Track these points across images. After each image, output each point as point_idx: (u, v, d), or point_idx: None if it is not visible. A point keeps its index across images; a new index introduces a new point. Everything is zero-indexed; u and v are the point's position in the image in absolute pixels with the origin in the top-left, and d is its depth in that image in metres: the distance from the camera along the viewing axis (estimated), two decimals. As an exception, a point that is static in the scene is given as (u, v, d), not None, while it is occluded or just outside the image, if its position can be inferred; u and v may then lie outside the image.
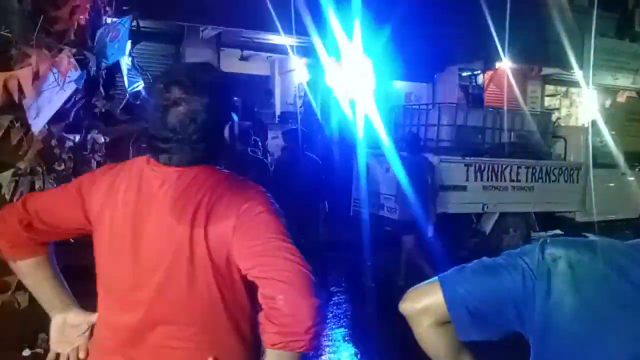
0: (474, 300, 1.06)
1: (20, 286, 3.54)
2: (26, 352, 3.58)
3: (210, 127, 1.22)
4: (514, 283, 1.05)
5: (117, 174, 1.30)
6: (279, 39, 10.24)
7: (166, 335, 1.21)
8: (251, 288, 1.22)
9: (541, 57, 12.69)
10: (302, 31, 9.88)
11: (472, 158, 7.08)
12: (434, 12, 10.83)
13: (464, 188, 6.97)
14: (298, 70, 11.78)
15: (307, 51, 10.78)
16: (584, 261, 1.02)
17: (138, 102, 4.22)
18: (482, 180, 7.10)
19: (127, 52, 3.31)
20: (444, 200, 6.77)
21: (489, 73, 13.16)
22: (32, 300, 3.57)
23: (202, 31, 9.83)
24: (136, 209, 1.23)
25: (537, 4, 11.61)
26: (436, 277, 1.13)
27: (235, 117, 1.35)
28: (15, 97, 2.93)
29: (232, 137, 1.32)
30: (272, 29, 9.68)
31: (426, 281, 1.15)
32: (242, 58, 11.68)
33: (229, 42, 10.65)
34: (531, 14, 11.68)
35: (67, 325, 1.36)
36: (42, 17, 3.24)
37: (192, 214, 1.18)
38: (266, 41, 10.74)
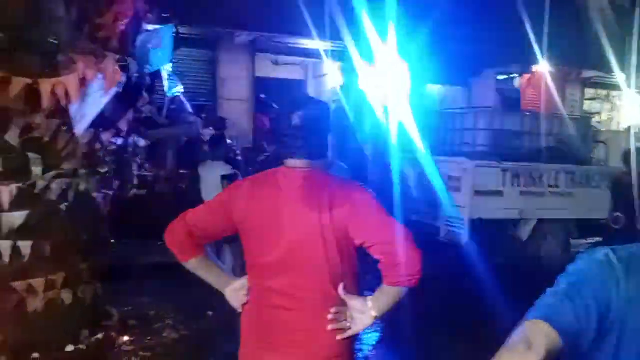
0: (581, 323, 1.07)
1: (65, 284, 3.68)
2: (70, 348, 3.69)
3: (323, 135, 1.74)
4: (603, 292, 1.08)
5: (255, 183, 1.77)
6: (313, 43, 10.29)
7: (299, 288, 1.67)
8: (358, 255, 1.70)
9: (581, 60, 12.34)
10: (335, 35, 9.92)
11: (509, 163, 6.93)
12: (469, 15, 10.69)
13: (500, 193, 6.82)
14: (331, 75, 11.81)
15: (340, 55, 10.81)
16: None
17: (176, 107, 4.33)
18: (519, 185, 6.93)
19: (170, 59, 3.40)
20: (479, 206, 6.65)
21: (527, 76, 12.88)
22: (75, 298, 3.72)
23: (237, 37, 9.97)
24: (276, 204, 1.68)
25: (576, 5, 11.31)
26: (533, 318, 1.08)
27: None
28: (63, 103, 3.04)
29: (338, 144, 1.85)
30: (306, 34, 9.76)
31: (520, 329, 1.07)
32: (276, 63, 11.78)
33: (264, 47, 10.76)
34: (570, 15, 11.39)
35: (233, 292, 1.80)
36: (87, 25, 3.37)
37: (317, 204, 1.63)
38: (300, 46, 10.80)
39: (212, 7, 8.36)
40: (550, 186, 7.16)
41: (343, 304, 1.67)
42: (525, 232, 7.10)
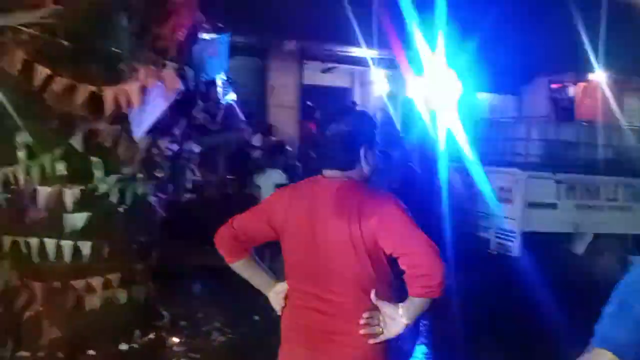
0: None
1: (121, 284, 3.81)
2: (123, 346, 3.81)
3: (352, 147, 1.79)
4: None
5: (293, 191, 1.87)
6: (360, 51, 10.31)
7: (333, 293, 1.74)
8: (392, 262, 1.73)
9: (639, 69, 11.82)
10: (383, 43, 9.90)
11: (564, 175, 6.69)
12: (521, 21, 10.44)
13: (554, 206, 6.57)
14: (378, 82, 11.78)
15: (388, 63, 10.77)
16: None
17: (229, 114, 4.42)
18: (574, 198, 6.66)
19: (225, 68, 3.47)
20: (531, 219, 6.44)
21: (582, 85, 12.44)
22: (129, 298, 3.84)
23: (286, 45, 10.11)
24: (310, 212, 1.77)
25: (634, 11, 10.84)
26: (597, 346, 1.11)
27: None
28: (124, 109, 3.16)
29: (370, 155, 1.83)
30: (354, 42, 9.79)
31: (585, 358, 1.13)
32: (324, 70, 11.87)
33: (312, 55, 10.88)
34: (628, 22, 10.91)
35: (275, 294, 1.91)
36: (148, 35, 3.49)
37: (348, 214, 1.70)
38: (347, 54, 10.85)
39: (262, 16, 8.51)
40: (609, 199, 6.85)
41: (376, 309, 1.73)
42: (580, 247, 6.81)
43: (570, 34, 10.11)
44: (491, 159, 7.71)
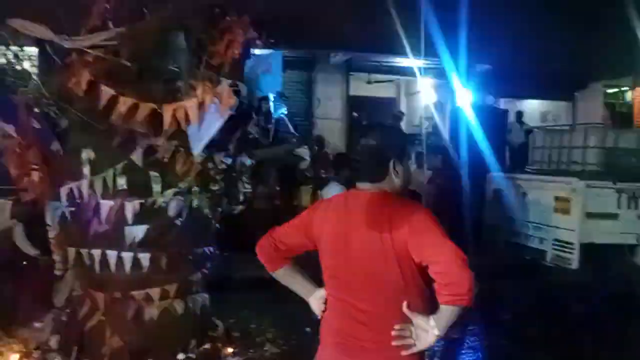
0: None
1: (177, 295, 3.91)
2: (180, 356, 3.88)
3: (380, 160, 1.86)
4: None
5: (327, 206, 1.96)
6: (406, 61, 10.24)
7: (366, 302, 1.79)
8: (423, 272, 1.75)
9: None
10: (430, 52, 9.80)
11: (625, 184, 6.40)
12: (573, 24, 10.10)
13: (615, 216, 6.31)
14: (425, 92, 11.65)
15: (435, 72, 10.64)
16: None
17: (280, 128, 4.48)
18: (636, 208, 6.38)
19: (280, 85, 3.53)
20: (591, 230, 6.19)
21: (639, 90, 11.89)
22: (186, 308, 3.93)
23: (333, 57, 10.18)
24: (344, 223, 1.84)
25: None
26: None
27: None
28: (183, 126, 3.27)
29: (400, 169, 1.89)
30: (400, 52, 9.73)
31: None
32: (369, 82, 11.87)
33: (358, 66, 10.90)
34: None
35: (315, 300, 1.99)
36: (204, 53, 3.60)
37: (379, 224, 1.75)
38: (393, 64, 10.81)
39: (310, 30, 8.61)
40: (672, 209, 6.50)
41: (409, 320, 1.75)
42: (643, 259, 6.49)
43: (626, 36, 9.69)
44: (546, 168, 7.48)
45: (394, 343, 1.72)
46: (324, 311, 1.95)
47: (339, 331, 1.85)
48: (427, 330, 1.72)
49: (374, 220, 1.77)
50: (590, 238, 6.17)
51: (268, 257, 2.00)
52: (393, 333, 1.73)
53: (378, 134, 1.91)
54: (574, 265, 6.03)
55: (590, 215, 6.17)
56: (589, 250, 6.16)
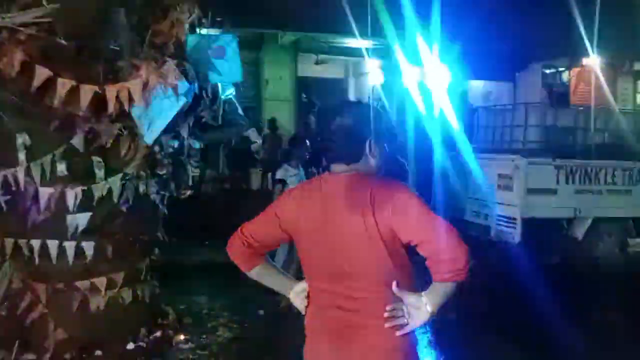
0: None
1: (125, 283, 3.79)
2: (130, 346, 3.79)
3: (356, 140, 1.76)
4: None
5: (301, 193, 1.84)
6: (355, 42, 10.25)
7: (354, 289, 1.72)
8: (409, 253, 1.71)
9: (632, 52, 11.83)
10: (377, 33, 9.84)
11: (562, 160, 6.71)
12: (514, 7, 10.39)
13: (554, 192, 6.60)
14: (372, 73, 11.73)
15: (382, 53, 10.72)
16: None
17: (229, 110, 4.38)
18: (573, 183, 6.69)
19: (241, 75, 3.43)
20: (532, 205, 6.46)
21: (576, 70, 12.44)
22: (134, 296, 3.82)
23: (281, 38, 10.05)
24: (322, 209, 1.74)
25: (628, -6, 10.84)
26: None
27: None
28: (126, 107, 3.12)
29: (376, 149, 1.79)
30: (348, 33, 9.72)
31: None
32: (318, 62, 11.81)
33: (306, 47, 10.82)
34: (620, 5, 10.89)
35: (296, 295, 1.88)
36: (146, 32, 3.44)
37: (360, 206, 1.66)
38: (341, 44, 10.79)
39: (258, 9, 8.44)
40: (607, 183, 6.88)
41: (399, 300, 1.71)
42: (580, 231, 6.85)
43: (563, 19, 10.07)
44: (489, 146, 7.72)
45: (387, 324, 1.68)
46: (307, 306, 1.86)
47: (328, 325, 1.77)
48: (420, 308, 1.68)
49: (355, 203, 1.68)
50: (531, 213, 6.43)
51: (241, 257, 1.87)
52: (385, 314, 1.68)
53: (353, 112, 1.80)
54: (517, 239, 6.28)
55: (531, 191, 6.42)
56: (530, 225, 6.43)
